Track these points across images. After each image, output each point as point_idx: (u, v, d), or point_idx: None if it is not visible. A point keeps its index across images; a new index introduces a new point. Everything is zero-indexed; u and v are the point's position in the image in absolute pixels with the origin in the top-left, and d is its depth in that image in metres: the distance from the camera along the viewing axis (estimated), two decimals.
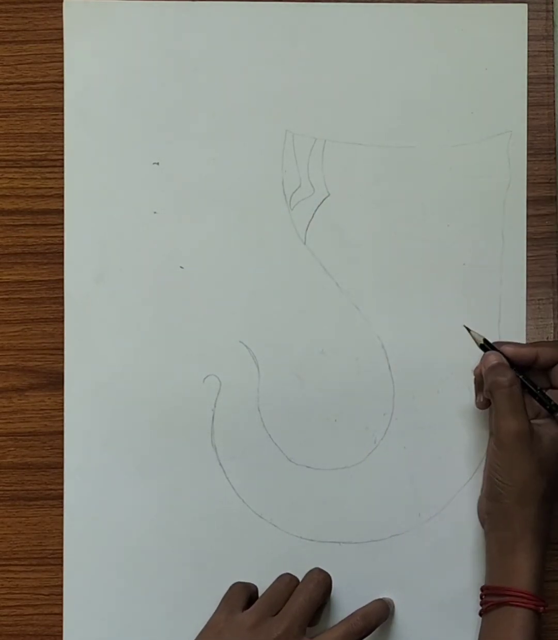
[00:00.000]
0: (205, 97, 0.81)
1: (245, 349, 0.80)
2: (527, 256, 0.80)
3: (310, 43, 0.80)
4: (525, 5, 0.80)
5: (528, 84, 0.80)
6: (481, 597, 0.74)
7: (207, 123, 0.81)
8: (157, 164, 0.81)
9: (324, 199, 0.80)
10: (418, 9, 0.81)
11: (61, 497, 0.80)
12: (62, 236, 0.81)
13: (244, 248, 0.80)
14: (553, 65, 0.80)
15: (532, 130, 0.80)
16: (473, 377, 0.76)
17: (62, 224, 0.81)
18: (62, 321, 0.80)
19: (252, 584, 0.78)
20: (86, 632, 0.80)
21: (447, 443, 0.78)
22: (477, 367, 0.76)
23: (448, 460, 0.78)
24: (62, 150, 0.81)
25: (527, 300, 0.80)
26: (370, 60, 0.80)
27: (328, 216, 0.80)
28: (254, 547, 0.79)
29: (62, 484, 0.80)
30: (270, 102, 0.81)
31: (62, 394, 0.80)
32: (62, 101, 0.81)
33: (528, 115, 0.80)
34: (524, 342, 0.79)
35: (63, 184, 0.81)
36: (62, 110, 0.81)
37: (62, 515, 0.80)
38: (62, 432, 0.80)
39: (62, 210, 0.81)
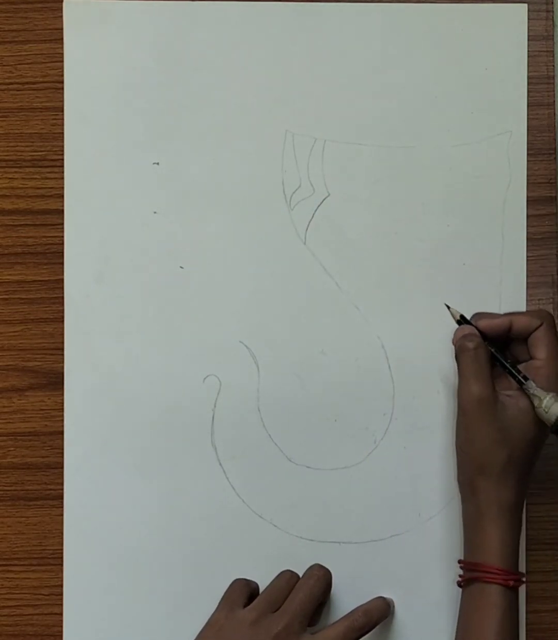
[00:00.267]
0: (205, 97, 0.81)
1: (245, 349, 0.80)
2: (527, 256, 0.80)
3: (310, 43, 0.80)
4: (525, 5, 0.80)
5: (528, 84, 0.80)
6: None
7: (207, 123, 0.81)
8: (157, 164, 0.81)
9: (324, 199, 0.80)
10: (418, 9, 0.81)
11: (61, 497, 0.80)
12: (62, 236, 0.81)
13: (244, 248, 0.80)
14: (553, 65, 0.80)
15: (532, 130, 0.80)
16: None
17: (62, 224, 0.81)
18: (62, 321, 0.80)
19: (253, 581, 0.78)
20: (86, 632, 0.80)
21: (447, 443, 0.78)
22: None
23: (448, 460, 0.78)
24: (62, 150, 0.81)
25: (527, 300, 0.80)
26: (370, 60, 0.80)
27: (328, 216, 0.80)
28: (254, 547, 0.79)
29: (62, 484, 0.80)
30: (270, 102, 0.81)
31: (62, 394, 0.80)
32: (62, 101, 0.81)
33: (528, 115, 0.80)
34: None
35: (63, 184, 0.81)
36: (62, 110, 0.81)
37: (62, 515, 0.80)
38: (62, 432, 0.80)
39: (62, 210, 0.81)
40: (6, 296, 0.81)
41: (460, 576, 0.73)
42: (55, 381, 0.81)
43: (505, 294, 0.79)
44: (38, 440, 0.81)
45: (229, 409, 0.80)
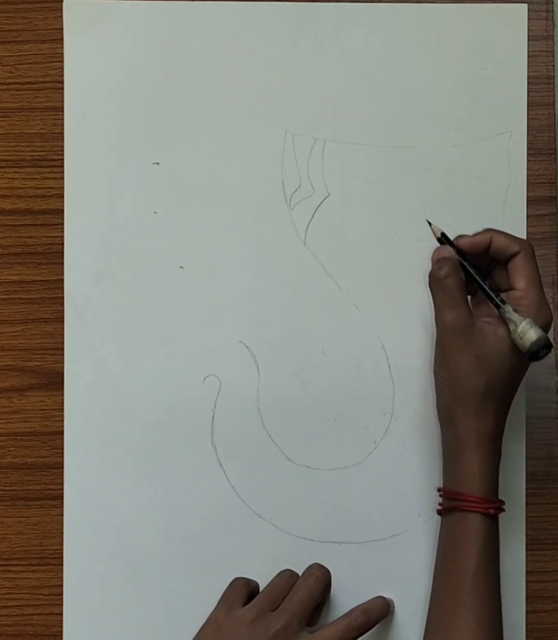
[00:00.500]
0: (205, 97, 0.81)
1: (245, 349, 0.80)
2: None
3: (310, 43, 0.80)
4: (525, 5, 0.80)
5: (528, 84, 0.80)
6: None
7: (207, 123, 0.81)
8: (157, 164, 0.81)
9: (324, 199, 0.80)
10: (418, 9, 0.81)
11: (61, 497, 0.80)
12: (62, 236, 0.81)
13: (244, 248, 0.80)
14: (553, 65, 0.80)
15: (532, 130, 0.80)
16: None
17: (62, 224, 0.81)
18: (62, 321, 0.80)
19: (253, 580, 0.78)
20: (86, 632, 0.80)
21: None
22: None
23: None
24: (62, 150, 0.81)
25: None
26: (370, 60, 0.80)
27: (328, 216, 0.80)
28: (254, 547, 0.79)
29: (62, 484, 0.80)
30: (270, 102, 0.81)
31: (62, 394, 0.80)
32: (62, 101, 0.81)
33: (528, 115, 0.80)
34: None
35: (63, 184, 0.81)
36: (62, 110, 0.81)
37: (62, 515, 0.80)
38: (62, 432, 0.80)
39: (62, 210, 0.81)
40: (6, 296, 0.81)
41: (439, 505, 0.74)
42: (55, 381, 0.81)
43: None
44: (38, 440, 0.81)
45: (229, 409, 0.80)
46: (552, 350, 0.78)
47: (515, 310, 0.71)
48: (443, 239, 0.75)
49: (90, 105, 0.81)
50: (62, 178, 0.81)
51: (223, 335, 0.80)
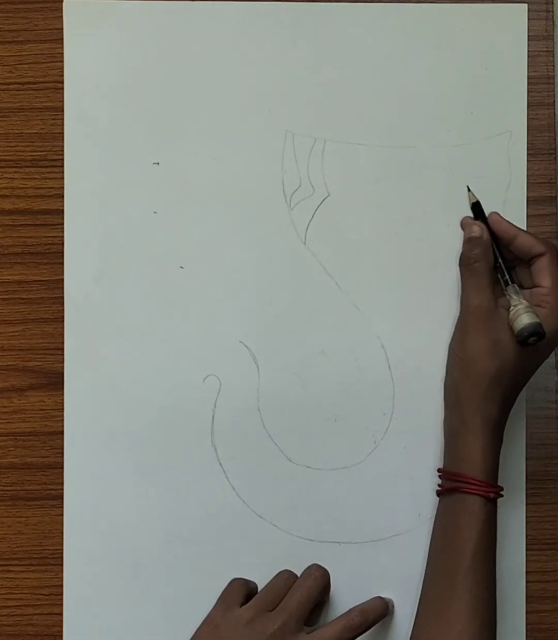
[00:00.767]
0: (205, 97, 0.81)
1: (245, 349, 0.80)
2: None
3: (310, 43, 0.80)
4: (525, 5, 0.80)
5: (528, 84, 0.80)
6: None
7: (207, 123, 0.81)
8: (157, 164, 0.81)
9: (324, 199, 0.80)
10: (418, 9, 0.81)
11: (61, 497, 0.80)
12: (62, 236, 0.81)
13: (244, 248, 0.80)
14: (553, 65, 0.80)
15: (532, 130, 0.80)
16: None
17: (62, 224, 0.81)
18: (62, 321, 0.80)
19: (251, 581, 0.78)
20: (86, 632, 0.80)
21: None
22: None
23: None
24: (62, 150, 0.81)
25: None
26: (370, 60, 0.80)
27: (328, 216, 0.80)
28: (254, 547, 0.79)
29: (62, 484, 0.80)
30: (270, 102, 0.81)
31: (62, 394, 0.80)
32: (62, 101, 0.81)
33: (528, 115, 0.80)
34: None
35: (63, 184, 0.81)
36: (62, 110, 0.81)
37: (62, 515, 0.80)
38: (62, 432, 0.80)
39: (62, 210, 0.81)
40: (6, 296, 0.81)
41: (439, 485, 0.74)
42: (55, 381, 0.81)
43: None
44: (38, 440, 0.81)
45: (229, 409, 0.80)
46: (553, 350, 0.78)
47: (540, 306, 0.72)
48: (476, 209, 0.77)
49: (90, 105, 0.81)
50: (62, 178, 0.81)
51: (223, 335, 0.80)
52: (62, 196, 0.81)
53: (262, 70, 0.81)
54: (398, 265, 0.80)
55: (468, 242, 0.76)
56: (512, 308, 0.72)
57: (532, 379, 0.79)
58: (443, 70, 0.80)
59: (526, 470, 0.79)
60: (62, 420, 0.80)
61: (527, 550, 0.79)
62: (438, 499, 0.75)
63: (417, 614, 0.73)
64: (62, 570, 0.80)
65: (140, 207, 0.80)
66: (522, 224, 0.80)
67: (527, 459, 0.79)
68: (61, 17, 0.81)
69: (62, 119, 0.81)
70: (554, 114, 0.80)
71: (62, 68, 0.81)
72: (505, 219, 0.77)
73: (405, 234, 0.80)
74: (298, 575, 0.77)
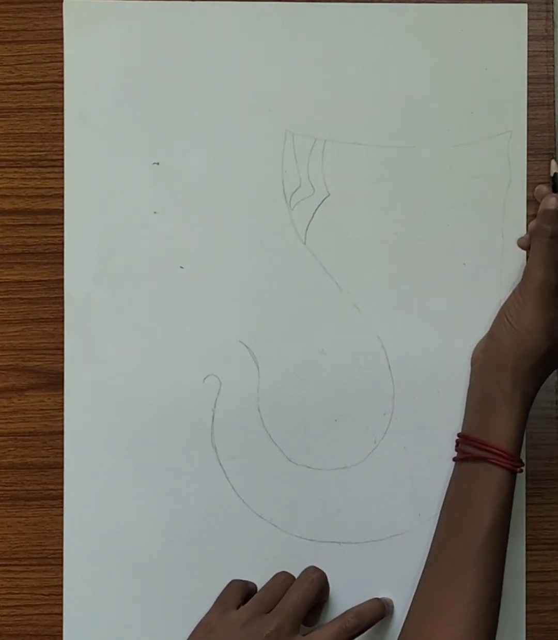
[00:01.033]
0: (205, 97, 0.81)
1: (245, 349, 0.80)
2: (527, 256, 0.80)
3: (310, 43, 0.80)
4: (525, 5, 0.80)
5: (528, 84, 0.80)
6: (457, 444, 0.74)
7: (207, 123, 0.81)
8: (157, 164, 0.81)
9: (324, 199, 0.80)
10: (418, 9, 0.81)
11: (61, 497, 0.80)
12: (62, 236, 0.81)
13: (244, 248, 0.80)
14: (553, 65, 0.80)
15: (532, 130, 0.80)
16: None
17: (62, 224, 0.81)
18: (62, 321, 0.80)
19: (251, 582, 0.78)
20: (86, 632, 0.80)
21: (447, 443, 0.78)
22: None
23: (448, 460, 0.78)
24: (62, 150, 0.81)
25: None
26: (370, 60, 0.80)
27: (328, 216, 0.80)
28: (254, 547, 0.79)
29: (62, 484, 0.80)
30: (270, 102, 0.81)
31: (62, 394, 0.80)
32: (62, 101, 0.81)
33: (528, 115, 0.80)
34: None
35: (63, 184, 0.81)
36: (62, 110, 0.81)
37: (62, 515, 0.80)
38: (62, 432, 0.80)
39: (62, 210, 0.81)
40: (6, 296, 0.81)
41: (462, 450, 0.73)
42: (55, 381, 0.81)
43: (505, 294, 0.79)
44: (38, 440, 0.81)
45: (229, 409, 0.80)
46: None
47: None
48: (556, 180, 0.76)
49: (90, 105, 0.81)
50: (62, 178, 0.81)
51: (223, 335, 0.80)
52: (62, 196, 0.81)
53: (262, 70, 0.81)
54: (398, 265, 0.80)
55: (543, 214, 0.74)
56: None
57: None
58: (443, 70, 0.80)
59: (526, 470, 0.79)
60: (62, 420, 0.80)
61: (527, 550, 0.79)
62: (453, 485, 0.74)
63: (422, 577, 0.73)
64: (62, 570, 0.80)
65: (140, 207, 0.80)
66: (522, 224, 0.80)
67: (527, 459, 0.79)
68: (61, 17, 0.81)
69: (62, 119, 0.81)
70: (554, 114, 0.80)
71: (62, 68, 0.81)
72: None
73: (405, 234, 0.80)
74: (297, 576, 0.77)
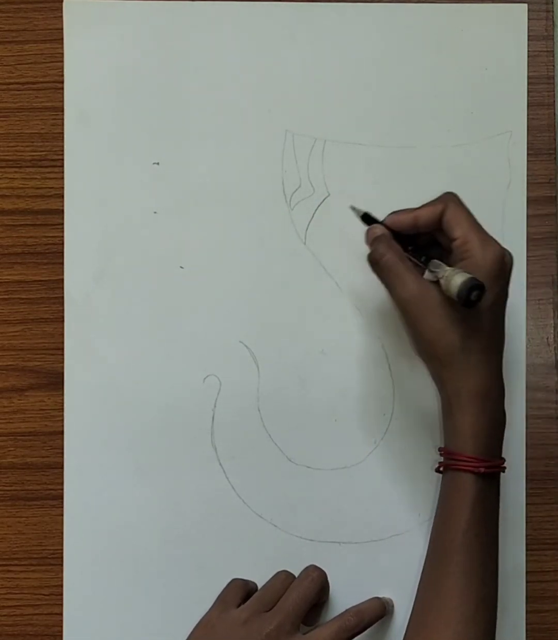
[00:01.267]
0: (205, 97, 0.81)
1: (245, 349, 0.80)
2: (527, 256, 0.80)
3: (310, 43, 0.80)
4: (525, 5, 0.80)
5: (528, 84, 0.80)
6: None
7: (207, 123, 0.81)
8: (157, 164, 0.81)
9: (324, 199, 0.80)
10: (418, 9, 0.81)
11: (61, 497, 0.80)
12: (62, 236, 0.81)
13: (244, 248, 0.80)
14: (553, 65, 0.80)
15: (532, 130, 0.80)
16: None
17: (62, 224, 0.81)
18: (62, 321, 0.80)
19: (251, 582, 0.78)
20: (86, 632, 0.80)
21: None
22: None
23: None
24: (62, 150, 0.81)
25: (527, 300, 0.80)
26: (370, 60, 0.80)
27: (328, 216, 0.80)
28: (253, 547, 0.79)
29: (62, 484, 0.80)
30: (270, 102, 0.81)
31: (62, 394, 0.80)
32: (62, 101, 0.81)
33: (528, 115, 0.80)
34: (523, 342, 0.79)
35: (63, 184, 0.81)
36: (62, 110, 0.81)
37: (62, 515, 0.80)
38: (62, 432, 0.80)
39: (62, 210, 0.81)
40: (6, 296, 0.81)
41: (439, 463, 0.73)
42: (55, 381, 0.81)
43: None
44: (38, 440, 0.81)
45: (229, 409, 0.80)
46: (552, 349, 0.78)
47: (463, 259, 0.69)
48: (366, 219, 0.74)
49: (90, 105, 0.81)
50: (62, 178, 0.81)
51: (223, 335, 0.80)
52: (62, 196, 0.81)
53: (262, 70, 0.81)
54: None
55: (370, 246, 0.73)
56: (441, 280, 0.69)
57: (532, 379, 0.79)
58: (443, 70, 0.80)
59: (526, 470, 0.79)
60: (62, 420, 0.80)
61: (527, 550, 0.79)
62: (438, 498, 0.75)
63: (418, 588, 0.73)
64: (62, 570, 0.80)
65: (140, 207, 0.80)
66: (522, 224, 0.80)
67: (527, 459, 0.79)
68: (61, 17, 0.81)
69: (62, 119, 0.81)
70: (554, 114, 0.81)
71: (62, 68, 0.81)
72: (398, 211, 0.73)
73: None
74: (297, 575, 0.77)
